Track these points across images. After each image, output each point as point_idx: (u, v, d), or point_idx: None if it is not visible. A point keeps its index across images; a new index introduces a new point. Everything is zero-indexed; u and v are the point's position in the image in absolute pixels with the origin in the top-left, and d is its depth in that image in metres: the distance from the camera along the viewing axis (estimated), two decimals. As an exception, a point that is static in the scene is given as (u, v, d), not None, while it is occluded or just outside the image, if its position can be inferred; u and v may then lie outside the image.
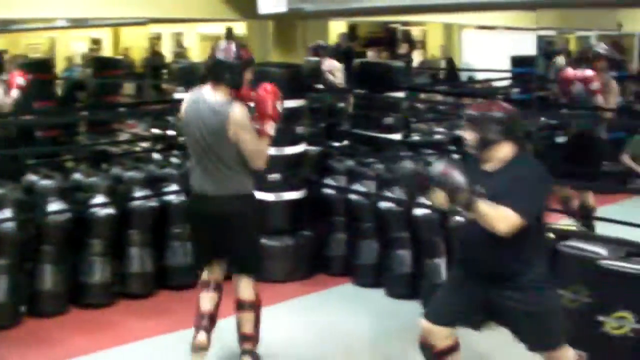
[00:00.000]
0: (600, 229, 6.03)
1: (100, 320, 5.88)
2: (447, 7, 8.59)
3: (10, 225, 5.68)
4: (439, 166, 3.61)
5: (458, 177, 3.55)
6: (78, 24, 15.37)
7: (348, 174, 6.91)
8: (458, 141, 8.97)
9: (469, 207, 3.60)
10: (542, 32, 13.34)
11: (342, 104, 9.04)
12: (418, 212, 6.09)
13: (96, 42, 22.98)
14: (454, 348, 4.13)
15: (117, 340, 5.51)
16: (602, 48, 7.67)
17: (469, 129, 3.86)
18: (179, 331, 5.54)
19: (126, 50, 19.89)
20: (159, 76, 15.66)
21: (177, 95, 7.65)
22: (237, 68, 4.46)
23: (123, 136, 10.06)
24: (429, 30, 19.58)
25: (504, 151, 3.82)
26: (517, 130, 3.87)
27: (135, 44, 20.46)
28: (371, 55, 14.21)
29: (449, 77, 15.44)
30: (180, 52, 19.66)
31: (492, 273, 3.82)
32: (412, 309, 5.93)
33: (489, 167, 3.85)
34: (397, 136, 7.67)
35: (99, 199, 6.13)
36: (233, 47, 4.48)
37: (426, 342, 4.09)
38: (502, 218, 3.62)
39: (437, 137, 8.94)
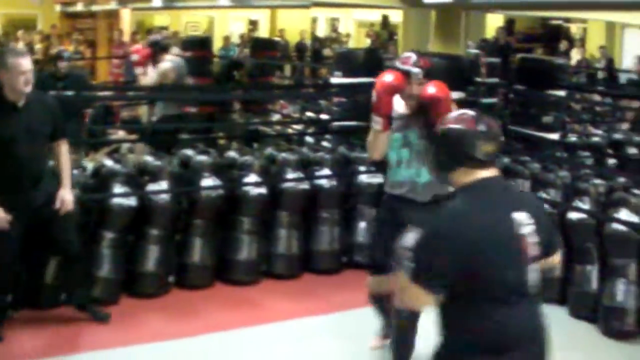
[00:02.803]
0: None
1: (244, 298, 5.94)
2: (611, 4, 8.25)
3: (164, 197, 5.82)
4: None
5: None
6: (239, 3, 15.66)
7: (502, 171, 6.72)
8: (616, 145, 8.70)
9: None
10: None
11: (493, 99, 8.85)
12: (572, 215, 5.87)
13: (253, 23, 23.41)
14: None
15: (258, 319, 5.56)
16: None
17: None
18: (320, 315, 5.55)
19: (281, 33, 20.16)
20: (317, 60, 15.80)
21: (333, 80, 7.65)
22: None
23: (276, 117, 10.19)
24: (590, 28, 19.01)
25: None
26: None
27: (291, 27, 20.71)
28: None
29: (608, 78, 14.90)
30: (336, 37, 19.78)
31: None
32: (561, 315, 5.77)
33: None
34: (554, 136, 7.43)
35: (252, 177, 6.20)
36: (413, 56, 4.36)
37: None
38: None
39: (595, 139, 8.64)
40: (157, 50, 8.50)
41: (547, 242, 2.86)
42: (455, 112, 2.99)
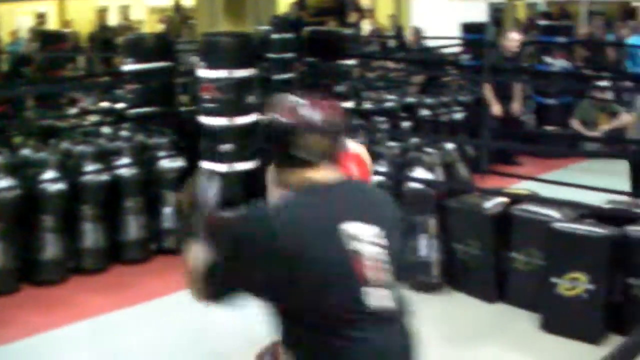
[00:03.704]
0: (552, 193, 6.09)
1: (54, 297, 5.79)
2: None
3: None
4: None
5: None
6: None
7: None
8: (409, 108, 9.08)
9: None
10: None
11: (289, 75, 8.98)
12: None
13: (41, 15, 22.59)
14: None
15: (72, 318, 5.43)
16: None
17: None
18: (133, 306, 5.50)
19: (70, 24, 19.58)
20: (108, 49, 15.44)
21: (125, 68, 7.52)
22: None
23: (71, 111, 9.91)
24: (379, -1, 19.59)
25: None
26: None
27: (81, 18, 20.16)
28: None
29: (399, 46, 15.43)
30: (128, 25, 19.40)
31: None
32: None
33: None
34: (349, 104, 7.64)
35: (49, 174, 6.02)
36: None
37: None
38: None
39: (389, 104, 8.97)
40: None
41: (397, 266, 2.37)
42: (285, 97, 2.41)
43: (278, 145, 2.34)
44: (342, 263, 2.24)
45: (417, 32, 13.73)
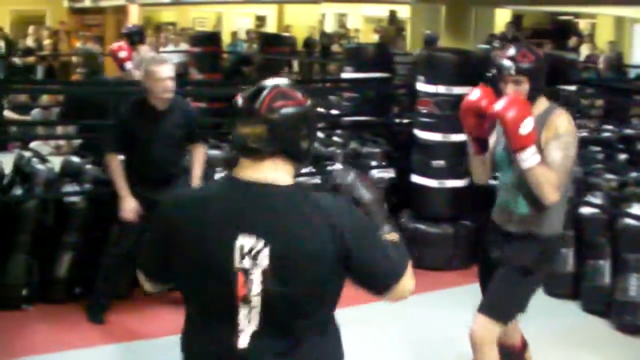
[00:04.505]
0: None
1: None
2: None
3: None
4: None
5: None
6: (247, -1, 15.71)
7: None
8: (627, 140, 8.69)
9: None
10: None
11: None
12: (585, 210, 5.88)
13: (261, 19, 23.43)
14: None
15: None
16: None
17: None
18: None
19: (288, 28, 20.19)
20: (325, 56, 15.79)
21: (344, 75, 7.67)
22: None
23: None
24: (599, 24, 18.96)
25: None
26: None
27: (298, 23, 20.74)
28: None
29: (618, 74, 14.86)
30: (344, 33, 19.77)
31: None
32: (572, 309, 5.79)
33: None
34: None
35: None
36: (512, 49, 3.66)
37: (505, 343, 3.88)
38: None
39: (605, 134, 8.63)
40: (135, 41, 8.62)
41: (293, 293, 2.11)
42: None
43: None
44: (223, 274, 2.11)
45: (609, 60, 13.17)
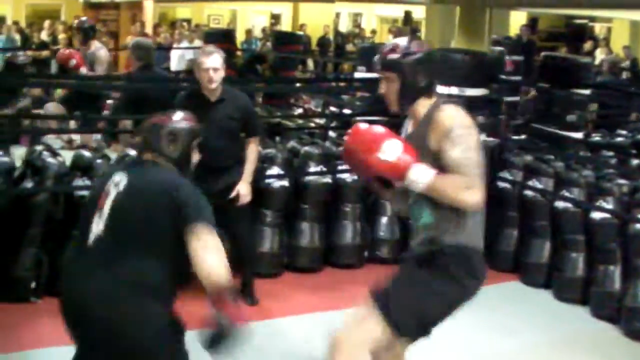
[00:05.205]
0: None
1: (266, 290, 5.91)
2: (636, 3, 8.19)
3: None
4: None
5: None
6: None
7: (525, 169, 6.71)
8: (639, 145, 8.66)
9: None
10: None
11: (515, 97, 8.81)
12: (596, 215, 5.86)
13: (276, 17, 23.44)
14: None
15: (282, 312, 5.56)
16: None
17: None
18: (342, 309, 5.54)
19: (302, 27, 20.20)
20: (339, 55, 15.79)
21: (357, 75, 7.66)
22: None
23: (298, 111, 10.20)
24: (615, 28, 18.88)
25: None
26: None
27: (313, 22, 20.73)
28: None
29: (632, 78, 14.81)
30: (359, 33, 19.76)
31: None
32: (581, 314, 5.76)
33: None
34: (578, 135, 7.41)
35: (274, 170, 6.20)
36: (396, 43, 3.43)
37: None
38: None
39: (619, 139, 8.61)
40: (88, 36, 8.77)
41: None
42: None
43: None
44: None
45: (614, 64, 13.14)
